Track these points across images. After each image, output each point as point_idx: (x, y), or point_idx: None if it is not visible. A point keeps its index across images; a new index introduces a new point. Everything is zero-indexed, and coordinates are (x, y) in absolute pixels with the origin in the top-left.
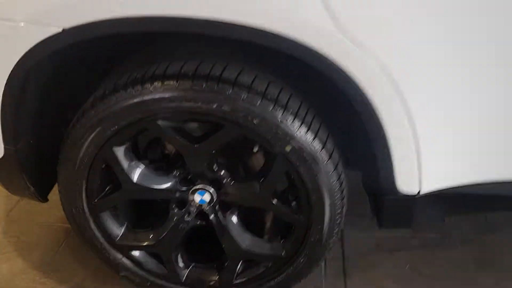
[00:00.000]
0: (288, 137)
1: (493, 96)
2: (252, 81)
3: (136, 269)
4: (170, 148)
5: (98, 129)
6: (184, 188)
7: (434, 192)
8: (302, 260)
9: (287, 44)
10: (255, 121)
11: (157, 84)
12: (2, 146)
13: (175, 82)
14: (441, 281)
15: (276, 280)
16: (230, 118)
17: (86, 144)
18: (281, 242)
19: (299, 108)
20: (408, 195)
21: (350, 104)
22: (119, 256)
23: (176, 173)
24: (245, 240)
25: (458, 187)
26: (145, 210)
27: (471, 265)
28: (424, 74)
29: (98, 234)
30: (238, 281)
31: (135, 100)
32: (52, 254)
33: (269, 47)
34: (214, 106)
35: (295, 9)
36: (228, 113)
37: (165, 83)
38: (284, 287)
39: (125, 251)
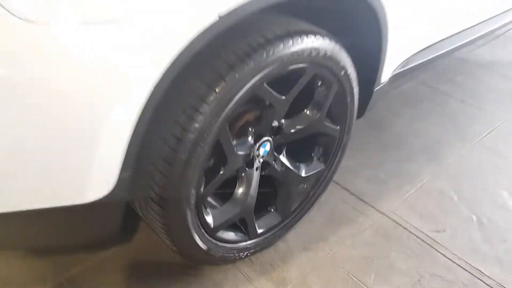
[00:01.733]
0: (343, 63)
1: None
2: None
3: (224, 245)
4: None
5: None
6: (255, 145)
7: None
8: (336, 160)
9: None
10: (338, 60)
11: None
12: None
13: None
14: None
15: (320, 188)
16: (317, 60)
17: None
18: (320, 158)
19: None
20: (384, 83)
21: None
22: (213, 242)
23: (252, 131)
24: (300, 169)
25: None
26: None
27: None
28: None
29: (201, 229)
30: (293, 208)
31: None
32: None
33: None
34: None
35: None
36: (321, 57)
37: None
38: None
39: (216, 233)
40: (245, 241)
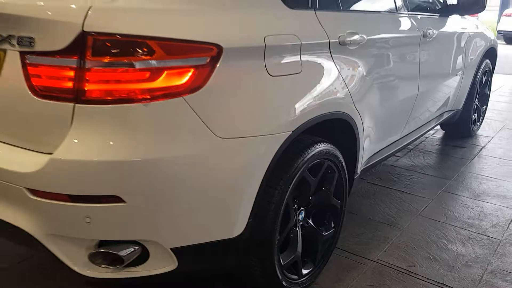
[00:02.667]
0: (341, 159)
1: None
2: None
3: (288, 279)
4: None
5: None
6: (297, 212)
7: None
8: (341, 225)
9: (340, 115)
10: (338, 156)
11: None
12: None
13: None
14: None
15: (333, 245)
16: (329, 157)
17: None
18: (330, 223)
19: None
20: (358, 174)
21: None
22: (283, 275)
23: (296, 202)
24: (322, 230)
25: (369, 159)
26: None
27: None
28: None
29: (280, 265)
30: (319, 258)
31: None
32: None
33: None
34: (330, 152)
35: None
36: (330, 154)
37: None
38: (335, 246)
39: (284, 270)
40: (297, 280)
